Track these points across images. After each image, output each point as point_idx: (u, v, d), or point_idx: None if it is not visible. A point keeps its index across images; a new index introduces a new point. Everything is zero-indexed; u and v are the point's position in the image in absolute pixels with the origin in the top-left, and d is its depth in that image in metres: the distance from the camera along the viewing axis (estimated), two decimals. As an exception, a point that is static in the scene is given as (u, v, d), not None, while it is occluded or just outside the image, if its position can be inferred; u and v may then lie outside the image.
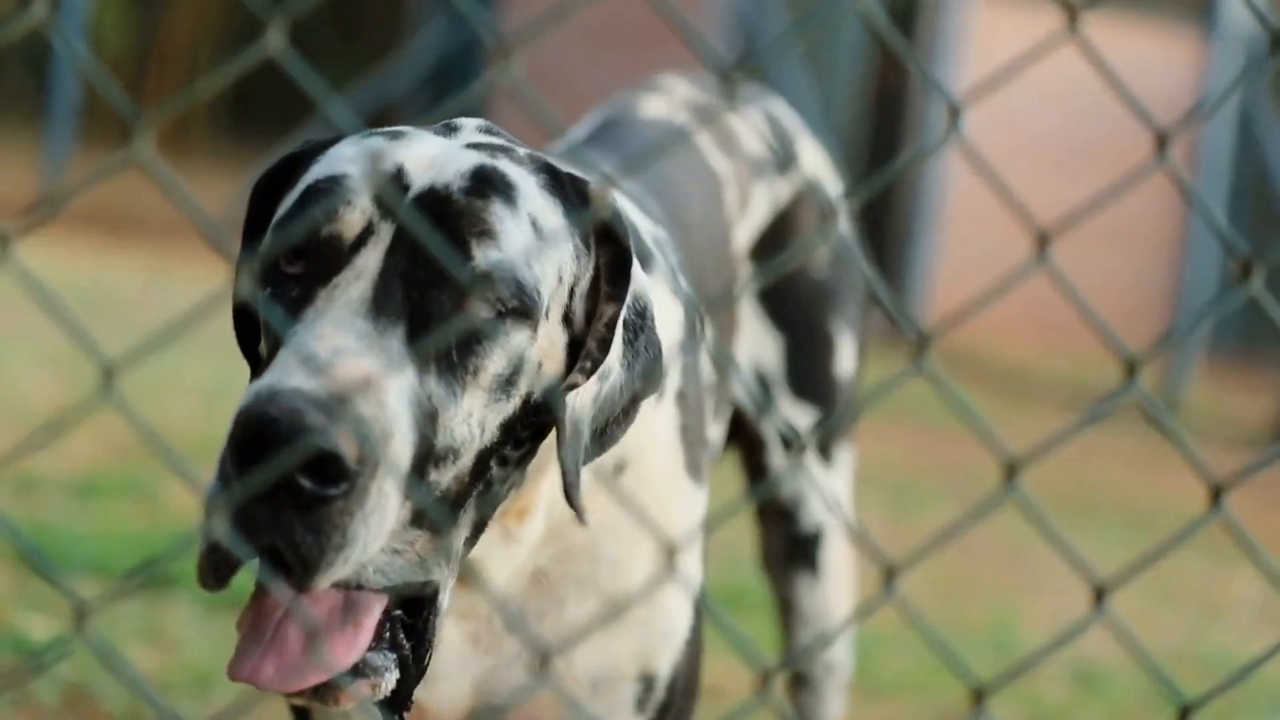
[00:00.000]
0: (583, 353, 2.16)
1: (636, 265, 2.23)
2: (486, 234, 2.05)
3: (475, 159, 2.11)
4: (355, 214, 2.03)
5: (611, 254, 2.19)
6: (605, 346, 2.17)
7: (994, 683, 1.78)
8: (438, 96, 17.97)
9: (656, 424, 2.45)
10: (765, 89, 3.62)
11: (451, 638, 2.37)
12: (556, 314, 2.13)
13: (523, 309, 2.06)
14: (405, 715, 2.14)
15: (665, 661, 2.45)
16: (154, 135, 1.36)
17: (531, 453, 2.17)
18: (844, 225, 3.50)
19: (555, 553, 2.37)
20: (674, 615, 2.46)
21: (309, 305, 2.00)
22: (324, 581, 1.91)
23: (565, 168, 2.21)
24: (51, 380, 7.62)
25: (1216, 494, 1.83)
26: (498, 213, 2.07)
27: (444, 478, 2.02)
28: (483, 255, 2.04)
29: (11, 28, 1.36)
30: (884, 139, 15.99)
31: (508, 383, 2.06)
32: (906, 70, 15.61)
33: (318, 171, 2.11)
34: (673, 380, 2.50)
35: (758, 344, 3.32)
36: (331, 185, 2.06)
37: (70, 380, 7.53)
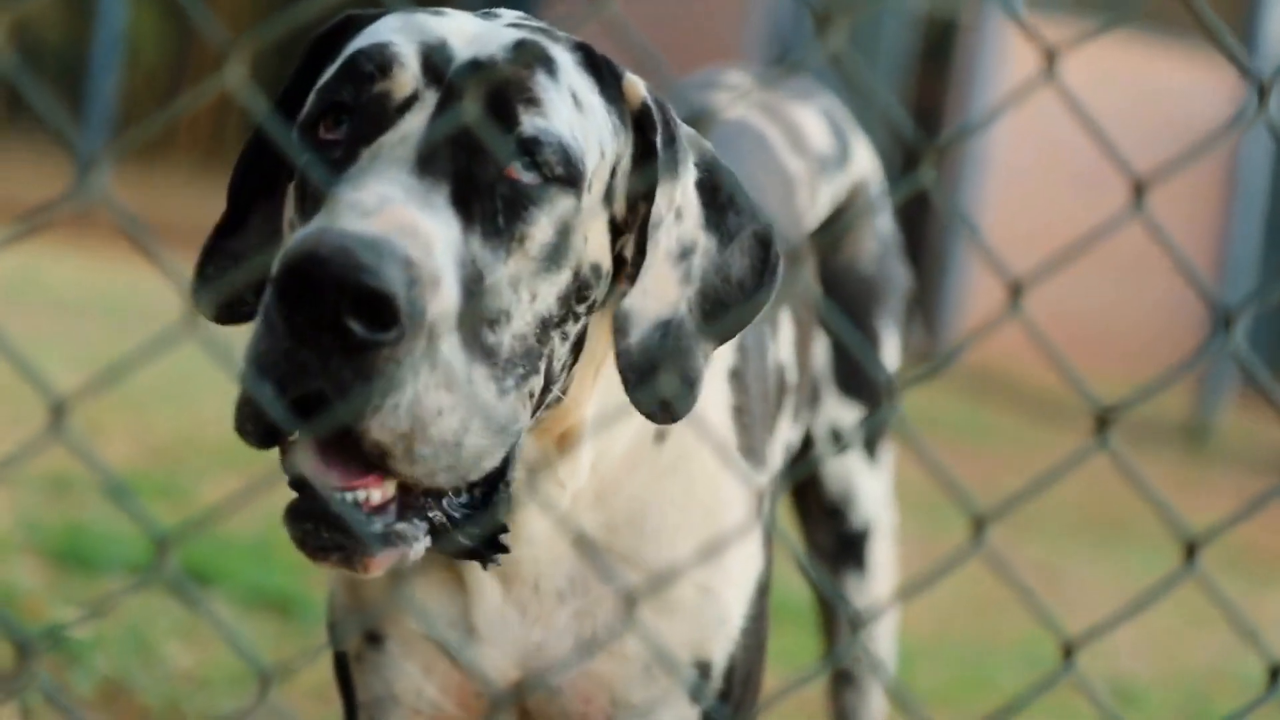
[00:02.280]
0: (619, 247, 2.15)
1: (686, 129, 2.22)
2: (532, 102, 2.05)
3: (516, 34, 2.11)
4: (406, 76, 2.03)
5: (643, 147, 2.18)
6: (641, 248, 2.14)
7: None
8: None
9: (707, 397, 2.41)
10: (819, 85, 3.60)
11: (496, 602, 2.34)
12: (598, 190, 2.12)
13: (568, 176, 2.05)
14: (497, 559, 2.15)
15: (720, 650, 2.41)
16: (126, 156, 1.34)
17: (581, 340, 2.14)
18: (888, 223, 3.49)
19: (603, 521, 2.34)
20: (728, 603, 2.41)
21: (352, 164, 1.98)
22: (377, 428, 1.86)
23: (602, 57, 2.20)
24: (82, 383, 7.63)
25: (1190, 550, 1.81)
26: (541, 82, 2.07)
27: (503, 339, 1.98)
28: (529, 122, 2.03)
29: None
30: (917, 163, 15.92)
31: (556, 251, 2.05)
32: (944, 93, 15.58)
33: (361, 41, 2.11)
34: (726, 359, 2.47)
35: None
36: (380, 50, 2.06)
37: (91, 394, 7.53)
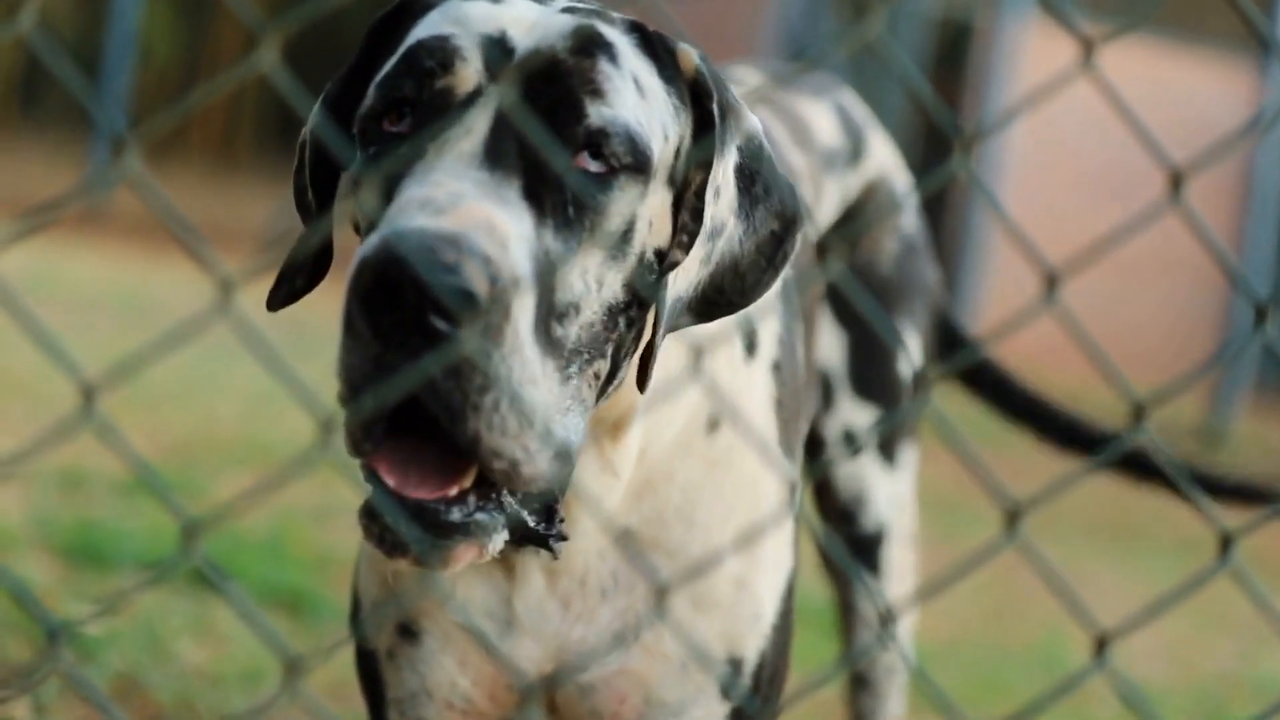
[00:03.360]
0: (678, 224, 2.12)
1: (739, 104, 2.21)
2: (597, 92, 2.03)
3: (572, 21, 2.09)
4: (469, 70, 2.02)
5: (698, 117, 2.17)
6: (698, 217, 2.12)
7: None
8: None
9: (753, 387, 2.42)
10: (836, 81, 3.57)
11: (540, 593, 2.33)
12: (662, 174, 2.10)
13: (636, 165, 2.04)
14: (559, 548, 2.11)
15: (752, 647, 2.40)
16: (144, 148, 1.33)
17: (643, 324, 2.12)
18: (911, 222, 3.46)
19: (647, 513, 2.33)
20: (762, 599, 2.40)
21: (419, 160, 1.96)
22: (474, 426, 1.84)
23: (655, 31, 2.18)
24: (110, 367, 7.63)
25: (1226, 543, 1.79)
26: (605, 71, 2.05)
27: (570, 331, 1.97)
28: (596, 112, 2.02)
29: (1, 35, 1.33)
30: (935, 164, 15.92)
31: (623, 239, 2.04)
32: (959, 97, 15.56)
33: (421, 33, 2.09)
34: (768, 350, 2.47)
35: (822, 341, 3.28)
36: (440, 44, 2.04)
37: (121, 380, 7.54)
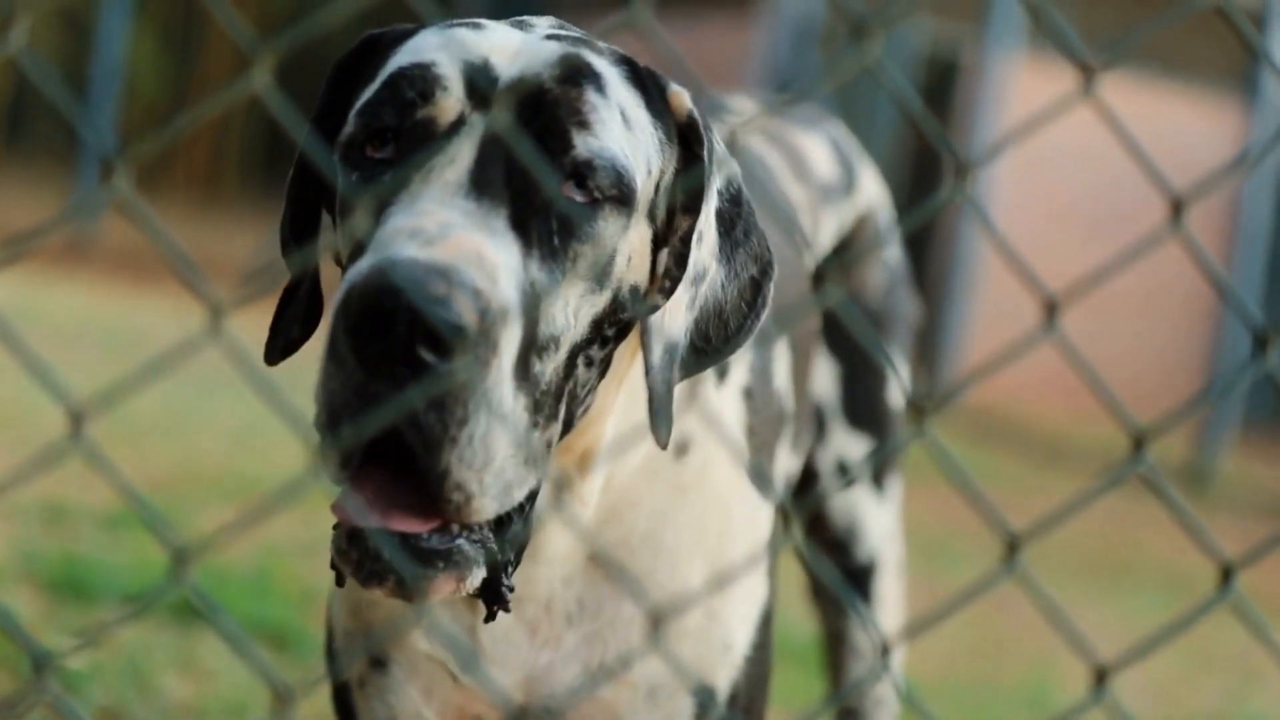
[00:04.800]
0: (661, 269, 2.11)
1: (721, 148, 2.19)
2: (584, 123, 2.01)
3: (559, 48, 2.07)
4: (450, 100, 2.00)
5: (687, 161, 2.15)
6: (682, 263, 2.11)
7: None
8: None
9: (722, 412, 2.40)
10: (825, 112, 3.56)
11: (506, 621, 2.30)
12: (643, 208, 2.08)
13: (620, 197, 2.02)
14: (503, 609, 2.06)
15: (723, 677, 2.38)
16: (133, 172, 1.31)
17: (607, 362, 2.11)
18: (895, 254, 3.45)
19: (620, 538, 2.31)
20: (732, 628, 2.38)
21: (404, 189, 1.94)
22: (447, 459, 1.82)
23: (646, 69, 2.16)
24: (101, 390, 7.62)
25: (1227, 574, 1.77)
26: (591, 101, 2.03)
27: (546, 368, 1.96)
28: (583, 143, 2.00)
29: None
30: (921, 197, 15.94)
31: (603, 273, 2.02)
32: (948, 120, 15.58)
33: (402, 60, 2.06)
34: (739, 376, 2.45)
35: (815, 373, 3.26)
36: (421, 72, 2.02)
37: (106, 415, 7.52)
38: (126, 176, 1.34)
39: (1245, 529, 10.79)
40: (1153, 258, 14.44)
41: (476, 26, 2.10)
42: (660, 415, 2.07)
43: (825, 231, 3.24)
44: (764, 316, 2.21)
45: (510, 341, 1.86)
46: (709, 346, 2.17)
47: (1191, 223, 1.83)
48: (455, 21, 2.12)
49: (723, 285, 2.17)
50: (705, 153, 2.13)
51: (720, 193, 2.18)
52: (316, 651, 4.79)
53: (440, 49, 2.06)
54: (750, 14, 16.71)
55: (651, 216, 2.10)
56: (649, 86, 2.14)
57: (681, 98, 2.15)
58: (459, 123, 1.99)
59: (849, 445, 3.32)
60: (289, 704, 1.38)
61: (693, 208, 2.12)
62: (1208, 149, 16.04)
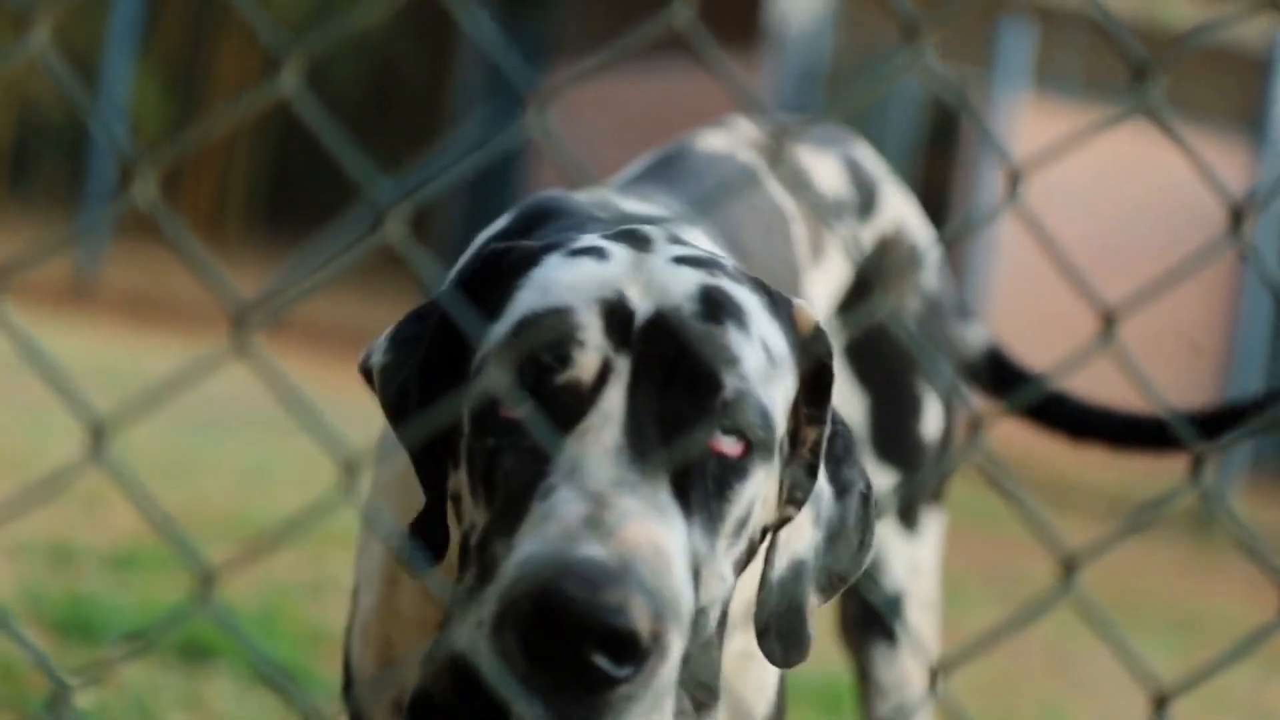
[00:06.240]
0: (787, 481, 2.00)
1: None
2: (730, 362, 1.89)
3: (696, 278, 1.95)
4: (590, 355, 1.87)
5: (812, 372, 2.03)
6: (812, 473, 2.01)
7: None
8: (477, 188, 18.00)
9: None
10: (850, 134, 3.47)
11: None
12: (780, 446, 1.99)
13: (765, 441, 1.91)
14: None
15: (760, 715, 2.35)
16: (158, 180, 1.26)
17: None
18: (933, 280, 3.36)
19: None
20: (766, 666, 2.27)
21: (559, 452, 1.82)
22: None
23: (771, 285, 2.05)
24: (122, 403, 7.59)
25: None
26: (735, 338, 1.92)
27: (693, 648, 1.84)
28: (731, 386, 1.88)
29: (10, 59, 1.27)
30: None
31: (742, 524, 1.92)
32: (951, 177, 15.58)
33: (532, 300, 1.94)
34: None
35: (842, 403, 3.17)
36: (556, 321, 1.90)
37: (133, 418, 7.50)
38: (153, 178, 1.28)
39: (1251, 573, 10.74)
40: (1155, 302, 14.41)
41: (599, 255, 1.97)
42: (781, 634, 2.00)
43: (834, 253, 3.15)
44: (876, 535, 2.12)
45: (678, 641, 1.78)
46: (839, 565, 2.09)
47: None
48: (577, 246, 1.99)
49: (834, 502, 2.08)
50: (832, 363, 2.04)
51: (831, 424, 2.07)
52: (324, 693, 4.74)
53: (570, 286, 1.93)
54: (755, 55, 16.72)
55: (779, 449, 2.00)
56: (779, 304, 2.03)
57: (806, 314, 2.05)
58: (606, 369, 1.87)
59: (876, 478, 3.24)
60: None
61: (818, 418, 2.03)
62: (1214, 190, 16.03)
